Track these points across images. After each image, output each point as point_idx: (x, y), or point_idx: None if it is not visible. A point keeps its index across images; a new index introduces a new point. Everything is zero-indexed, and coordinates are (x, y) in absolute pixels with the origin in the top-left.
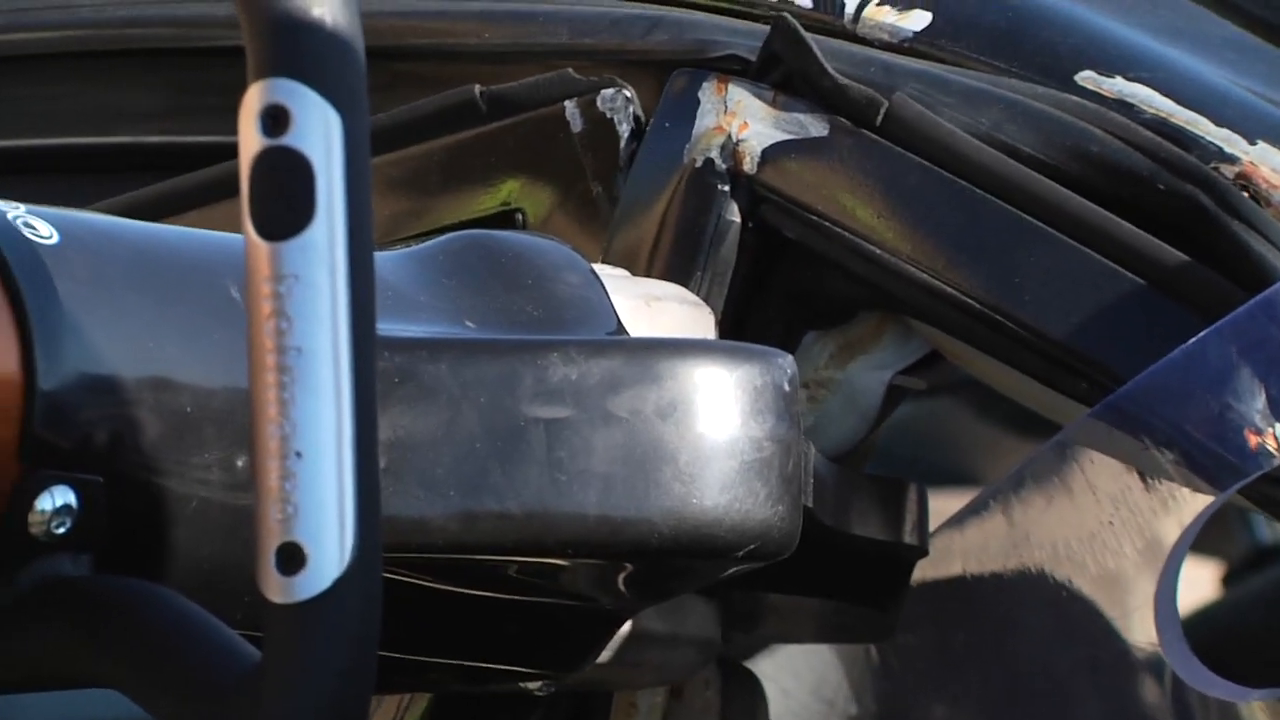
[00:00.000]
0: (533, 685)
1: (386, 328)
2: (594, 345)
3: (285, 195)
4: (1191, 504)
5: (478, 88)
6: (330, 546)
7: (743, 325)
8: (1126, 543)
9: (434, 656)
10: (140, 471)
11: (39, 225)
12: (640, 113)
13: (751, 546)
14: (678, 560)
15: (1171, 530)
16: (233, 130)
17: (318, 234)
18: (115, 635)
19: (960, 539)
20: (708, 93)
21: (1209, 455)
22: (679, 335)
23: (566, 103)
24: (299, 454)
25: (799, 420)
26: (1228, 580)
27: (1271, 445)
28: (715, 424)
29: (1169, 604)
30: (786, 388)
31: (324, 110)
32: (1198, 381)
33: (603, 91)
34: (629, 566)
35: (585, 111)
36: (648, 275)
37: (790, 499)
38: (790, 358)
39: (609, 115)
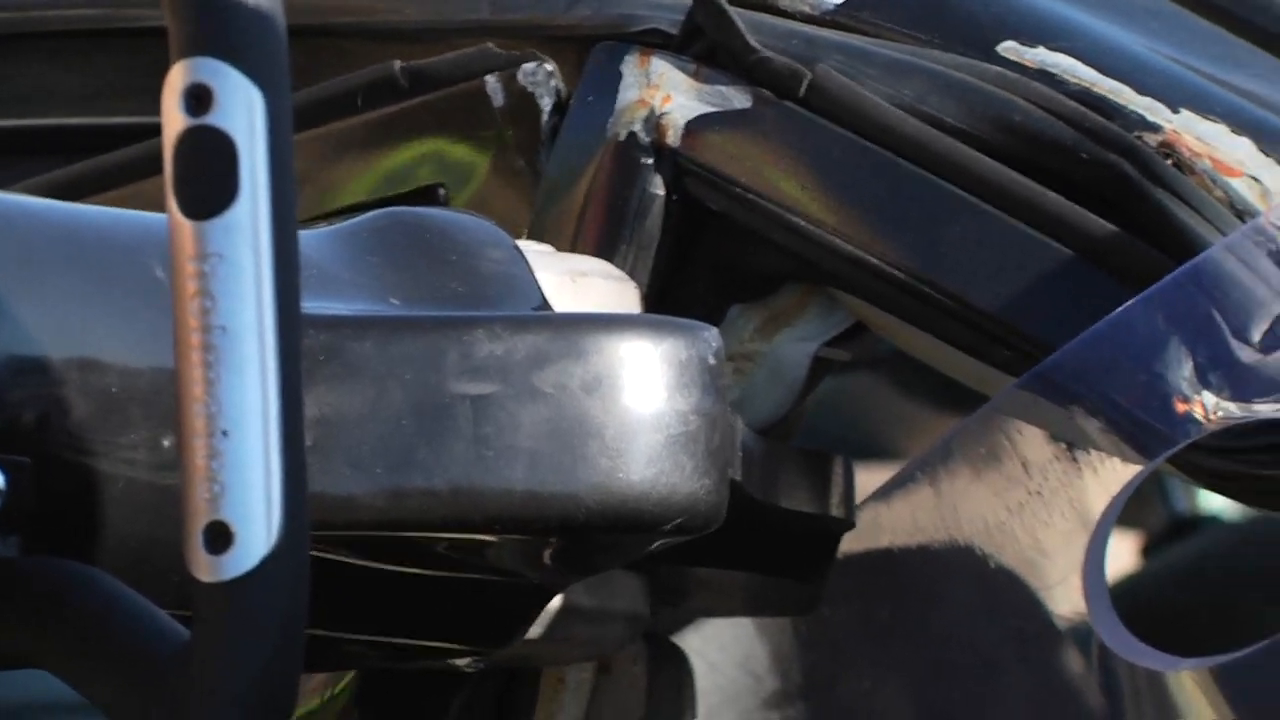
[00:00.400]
0: (461, 662)
1: (311, 305)
2: (519, 321)
3: (208, 174)
4: (1119, 473)
5: (397, 63)
6: (257, 525)
7: (668, 298)
8: (1054, 513)
9: (363, 634)
10: (68, 452)
11: None
12: (562, 87)
13: (678, 520)
14: (605, 535)
15: (1099, 500)
16: (153, 112)
17: (241, 213)
18: (44, 616)
19: (886, 511)
20: (630, 66)
21: (1137, 424)
22: (604, 311)
23: (488, 77)
24: (225, 433)
25: (725, 393)
26: (1147, 552)
27: (1199, 413)
28: (641, 398)
29: (1098, 574)
30: (712, 361)
31: (247, 89)
32: (1125, 350)
33: (524, 65)
34: (556, 541)
35: (506, 85)
36: (573, 250)
37: (716, 472)
38: (715, 331)
39: (530, 89)
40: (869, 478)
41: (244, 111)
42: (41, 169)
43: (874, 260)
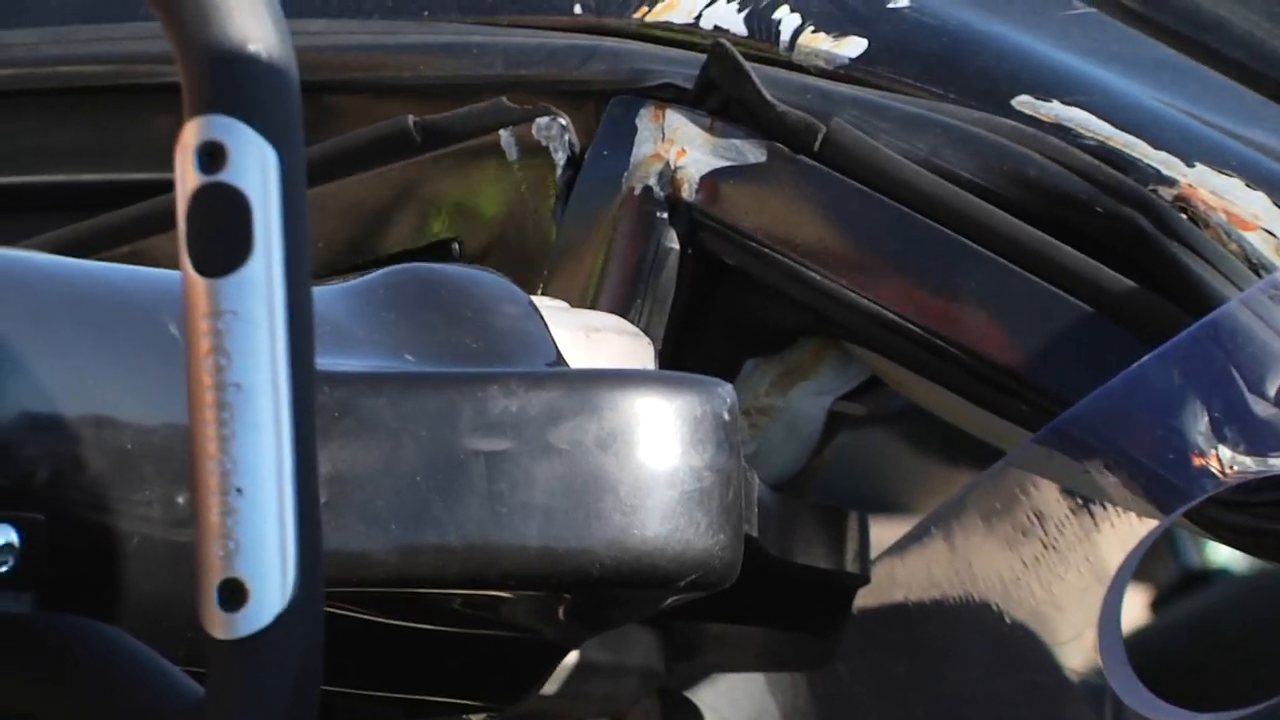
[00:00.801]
0: (475, 718)
1: (325, 362)
2: (533, 377)
3: (222, 231)
4: (1134, 528)
5: (411, 118)
6: (272, 582)
7: (683, 353)
8: (1069, 568)
9: (376, 690)
10: (82, 509)
11: None
12: (575, 140)
13: (693, 576)
14: (619, 591)
15: (1114, 555)
16: (164, 168)
17: (255, 270)
18: (58, 673)
19: (901, 567)
20: (645, 120)
21: (1154, 479)
22: (618, 366)
23: (502, 131)
24: (239, 490)
25: (739, 449)
26: (1157, 605)
27: (1215, 467)
28: (655, 454)
29: (1113, 629)
30: (726, 417)
31: (260, 147)
32: (1141, 405)
33: (538, 120)
34: (571, 597)
35: (521, 140)
36: (589, 304)
37: (731, 528)
38: (730, 387)
39: (544, 143)
40: (883, 532)
41: (258, 169)
42: (43, 226)
43: (889, 314)
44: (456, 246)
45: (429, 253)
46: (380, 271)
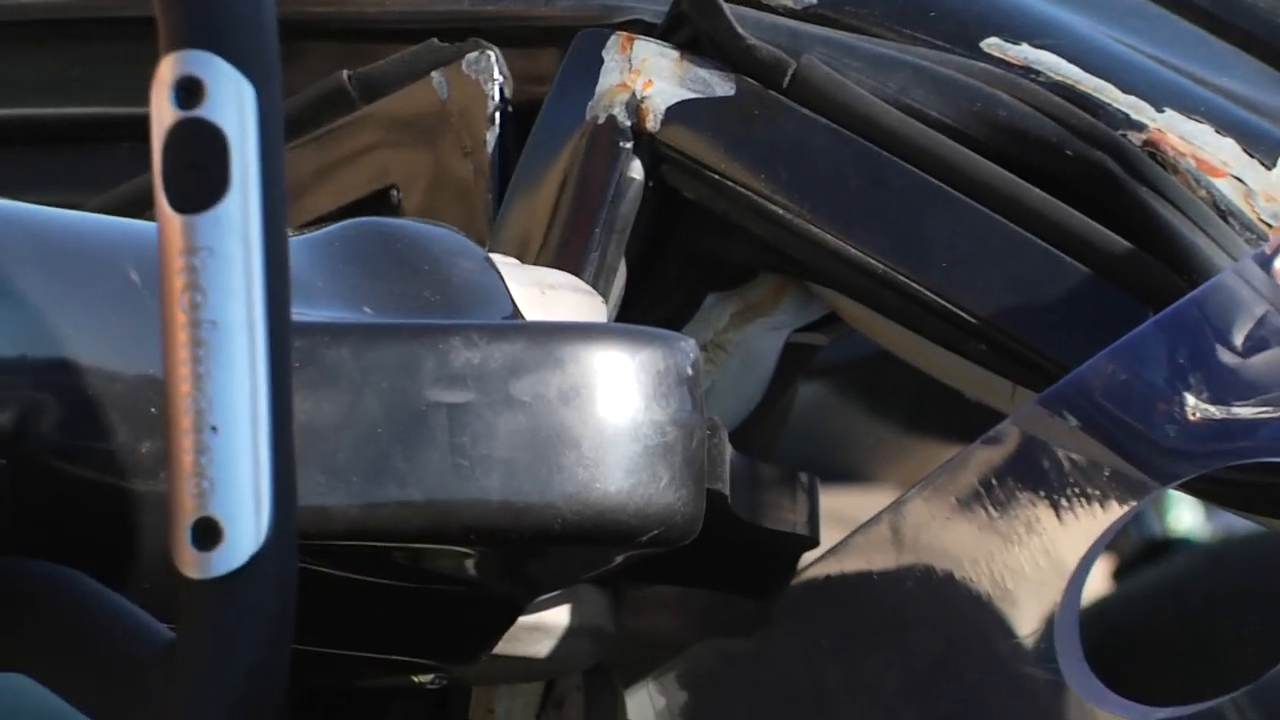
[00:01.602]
0: (424, 678)
1: None
2: (496, 330)
3: (199, 167)
4: (1097, 521)
5: (345, 73)
6: (246, 522)
7: (642, 286)
8: (1025, 562)
9: (324, 647)
10: (44, 455)
11: None
12: (507, 74)
13: (655, 531)
14: (580, 546)
15: (1075, 549)
16: (134, 102)
17: (232, 206)
18: (23, 618)
19: (853, 554)
20: (612, 50)
21: (1145, 443)
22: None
23: (434, 72)
24: (214, 428)
25: (702, 403)
26: (1118, 575)
27: (1178, 414)
28: (618, 408)
29: (1070, 626)
30: (689, 371)
31: (238, 82)
32: (1135, 370)
33: (467, 55)
34: (530, 551)
35: (452, 78)
36: (548, 233)
37: (694, 483)
38: (692, 341)
39: (474, 76)
40: (840, 499)
41: (235, 104)
42: (6, 160)
43: (852, 251)
44: (395, 193)
45: (369, 203)
46: (337, 225)
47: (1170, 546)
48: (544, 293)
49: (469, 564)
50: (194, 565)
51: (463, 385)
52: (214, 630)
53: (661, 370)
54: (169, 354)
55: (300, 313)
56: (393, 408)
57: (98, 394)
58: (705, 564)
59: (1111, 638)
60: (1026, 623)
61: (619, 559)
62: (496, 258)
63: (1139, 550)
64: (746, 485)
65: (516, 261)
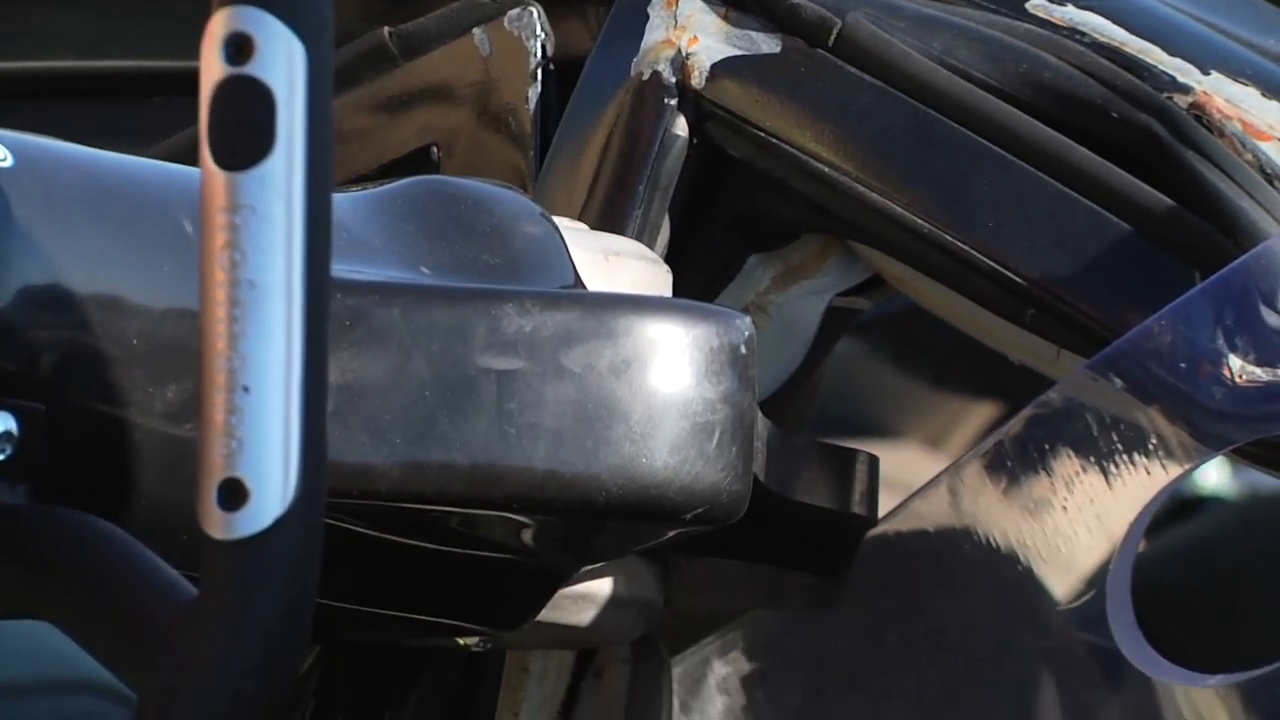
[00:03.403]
0: (469, 641)
1: (340, 269)
2: (550, 298)
3: (245, 125)
4: (1146, 486)
5: (386, 30)
6: (274, 484)
7: (686, 246)
8: (1079, 527)
9: (371, 606)
10: (84, 400)
11: None
12: (549, 30)
13: (700, 509)
14: (624, 520)
15: (1125, 515)
16: (171, 57)
17: (276, 165)
18: (50, 567)
19: (904, 524)
20: (657, 7)
21: (1192, 406)
22: (636, 291)
23: (475, 29)
24: (246, 389)
25: (754, 383)
26: (1149, 533)
27: (1225, 375)
28: (669, 383)
29: (1122, 590)
30: (743, 350)
31: (289, 40)
32: (1181, 333)
33: (509, 12)
34: (574, 523)
35: (494, 35)
36: (591, 190)
37: (742, 462)
38: (748, 319)
39: (517, 33)
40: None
41: (284, 62)
42: (51, 112)
43: (898, 210)
44: (435, 151)
45: (410, 161)
46: (399, 182)
47: (1200, 505)
48: (608, 259)
49: (513, 531)
50: (219, 525)
51: (513, 352)
52: (235, 591)
53: (715, 347)
54: (205, 311)
55: (355, 270)
56: (441, 371)
57: (142, 340)
58: (755, 541)
59: (1142, 596)
60: (1078, 589)
61: (667, 534)
62: (561, 221)
63: (1170, 509)
64: (785, 463)
65: (582, 226)
